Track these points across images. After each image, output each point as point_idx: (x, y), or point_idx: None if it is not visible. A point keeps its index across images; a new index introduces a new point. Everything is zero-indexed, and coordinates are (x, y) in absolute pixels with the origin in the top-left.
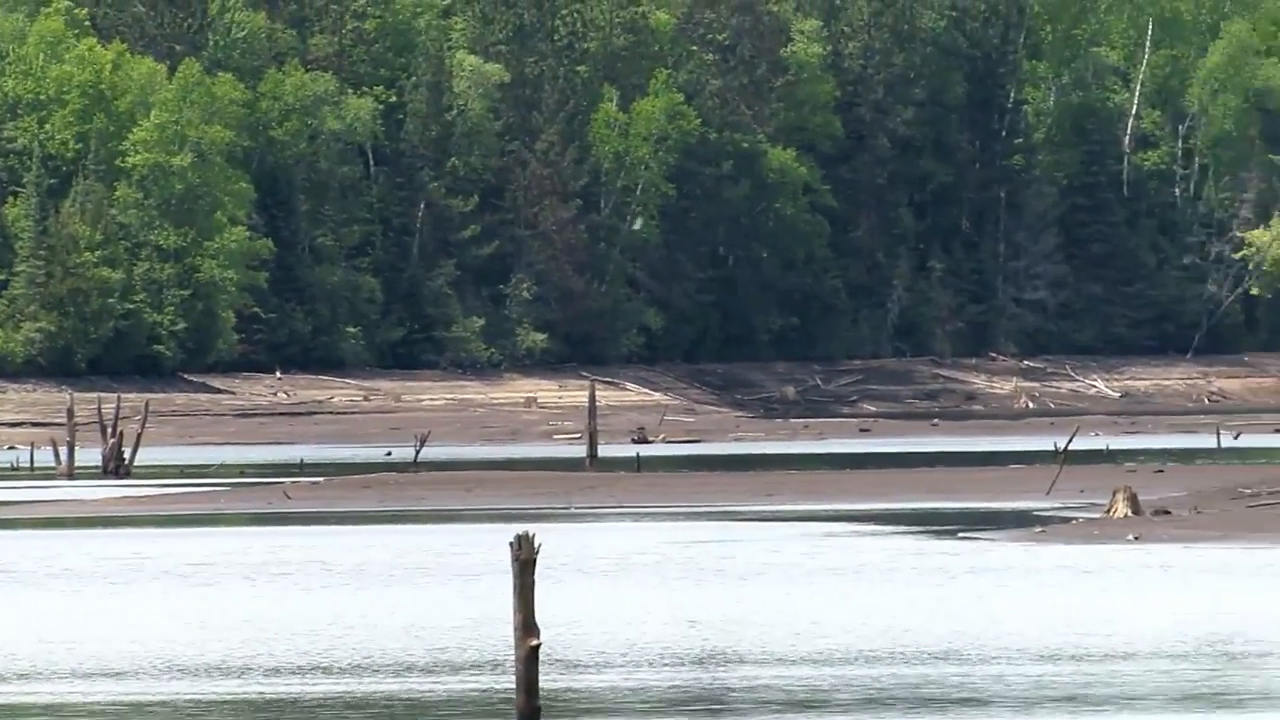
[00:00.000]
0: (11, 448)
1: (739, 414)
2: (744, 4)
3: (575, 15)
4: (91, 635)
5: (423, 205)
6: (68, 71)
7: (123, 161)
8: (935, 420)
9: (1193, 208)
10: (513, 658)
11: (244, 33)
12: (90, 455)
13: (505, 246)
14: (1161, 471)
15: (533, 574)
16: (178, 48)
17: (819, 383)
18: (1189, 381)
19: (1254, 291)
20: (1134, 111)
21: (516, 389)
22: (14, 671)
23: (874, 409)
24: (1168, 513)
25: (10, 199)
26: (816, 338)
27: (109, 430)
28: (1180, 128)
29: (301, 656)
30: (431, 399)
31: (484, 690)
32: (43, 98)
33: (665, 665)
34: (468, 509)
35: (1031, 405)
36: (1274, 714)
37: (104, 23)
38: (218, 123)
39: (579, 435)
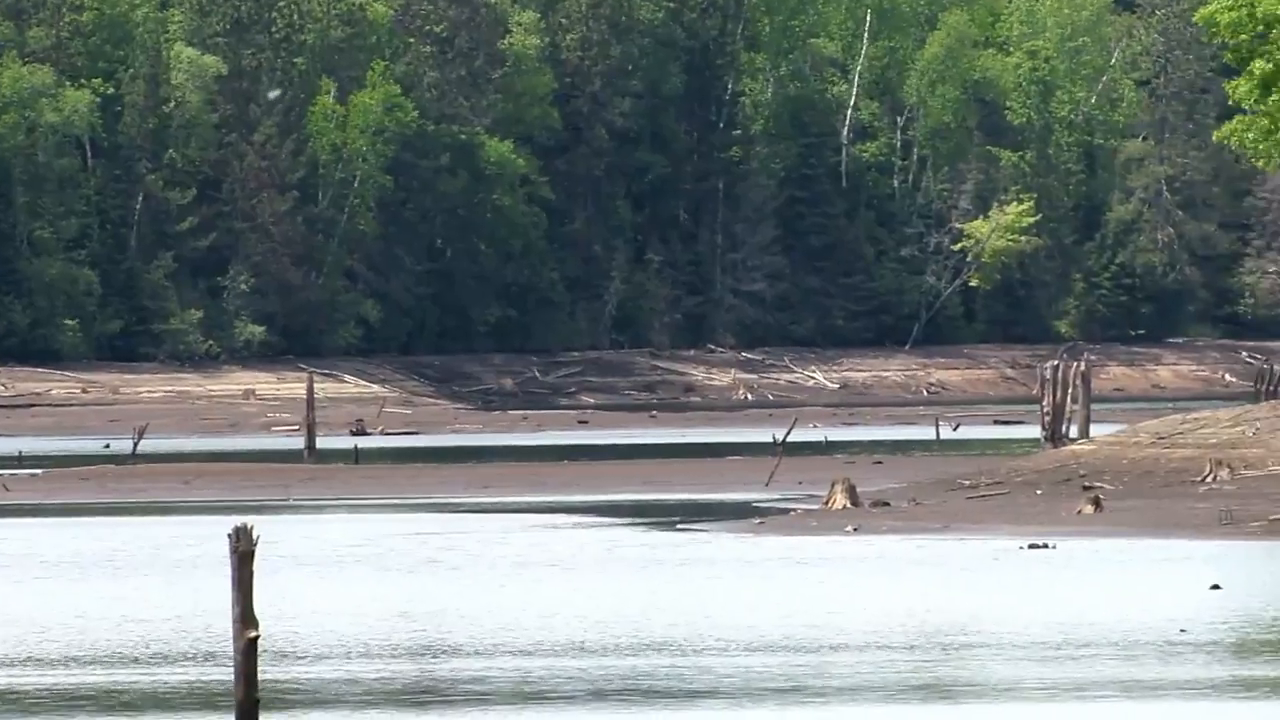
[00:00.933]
0: None
1: (457, 406)
2: None
3: (292, 7)
4: None
5: (141, 197)
6: None
7: None
8: (653, 412)
9: (911, 199)
10: (231, 649)
11: None
12: None
13: (223, 239)
14: (880, 463)
15: (251, 566)
16: None
17: (537, 374)
18: (908, 373)
19: (973, 283)
20: (852, 103)
21: (235, 381)
22: None
23: (592, 401)
24: (886, 504)
25: None
26: (534, 329)
27: None
28: (899, 119)
29: (14, 648)
30: (150, 391)
31: (202, 682)
32: None
33: (382, 657)
34: (186, 501)
35: (750, 397)
36: (984, 704)
37: None
38: None
39: (297, 427)
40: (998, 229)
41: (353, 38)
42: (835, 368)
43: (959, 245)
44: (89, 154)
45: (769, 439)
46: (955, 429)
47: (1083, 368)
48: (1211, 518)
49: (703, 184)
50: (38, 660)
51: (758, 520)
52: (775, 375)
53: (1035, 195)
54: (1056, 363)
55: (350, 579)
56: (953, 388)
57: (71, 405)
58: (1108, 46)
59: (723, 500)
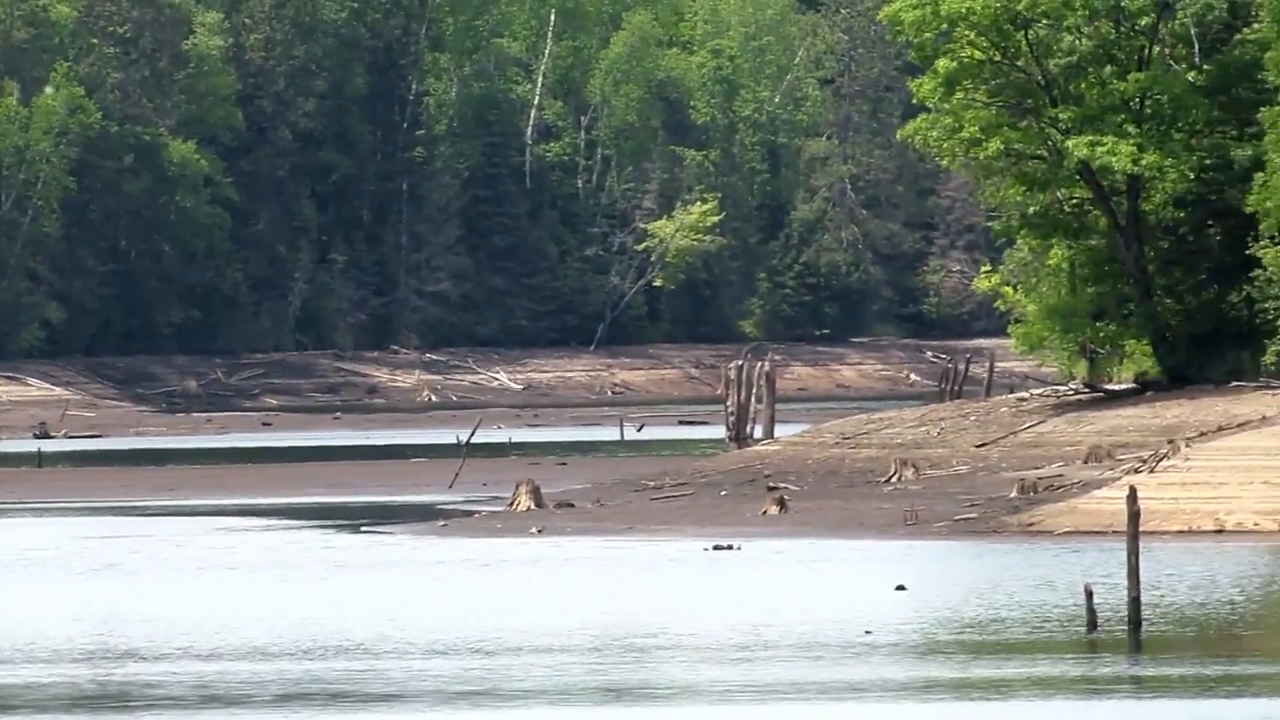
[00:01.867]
0: None
1: (141, 408)
2: None
3: None
4: None
5: None
6: None
7: None
8: (338, 414)
9: (596, 199)
10: None
11: None
12: None
13: None
14: (564, 464)
15: None
16: None
17: (221, 376)
18: (592, 374)
19: (657, 283)
20: (536, 103)
21: None
22: None
23: (276, 402)
24: (571, 505)
25: None
26: (218, 331)
27: None
28: (583, 119)
29: None
30: None
31: None
32: None
33: (62, 661)
34: None
35: (434, 398)
36: (668, 706)
37: None
38: None
39: None
40: (682, 228)
41: (36, 39)
42: (520, 368)
43: (643, 245)
44: None
45: (453, 441)
46: (640, 430)
47: (767, 368)
48: (896, 518)
49: (387, 184)
50: None
51: (442, 522)
52: (459, 376)
53: (719, 194)
54: (741, 363)
55: (32, 582)
56: (637, 388)
57: None
58: (792, 45)
59: (407, 502)
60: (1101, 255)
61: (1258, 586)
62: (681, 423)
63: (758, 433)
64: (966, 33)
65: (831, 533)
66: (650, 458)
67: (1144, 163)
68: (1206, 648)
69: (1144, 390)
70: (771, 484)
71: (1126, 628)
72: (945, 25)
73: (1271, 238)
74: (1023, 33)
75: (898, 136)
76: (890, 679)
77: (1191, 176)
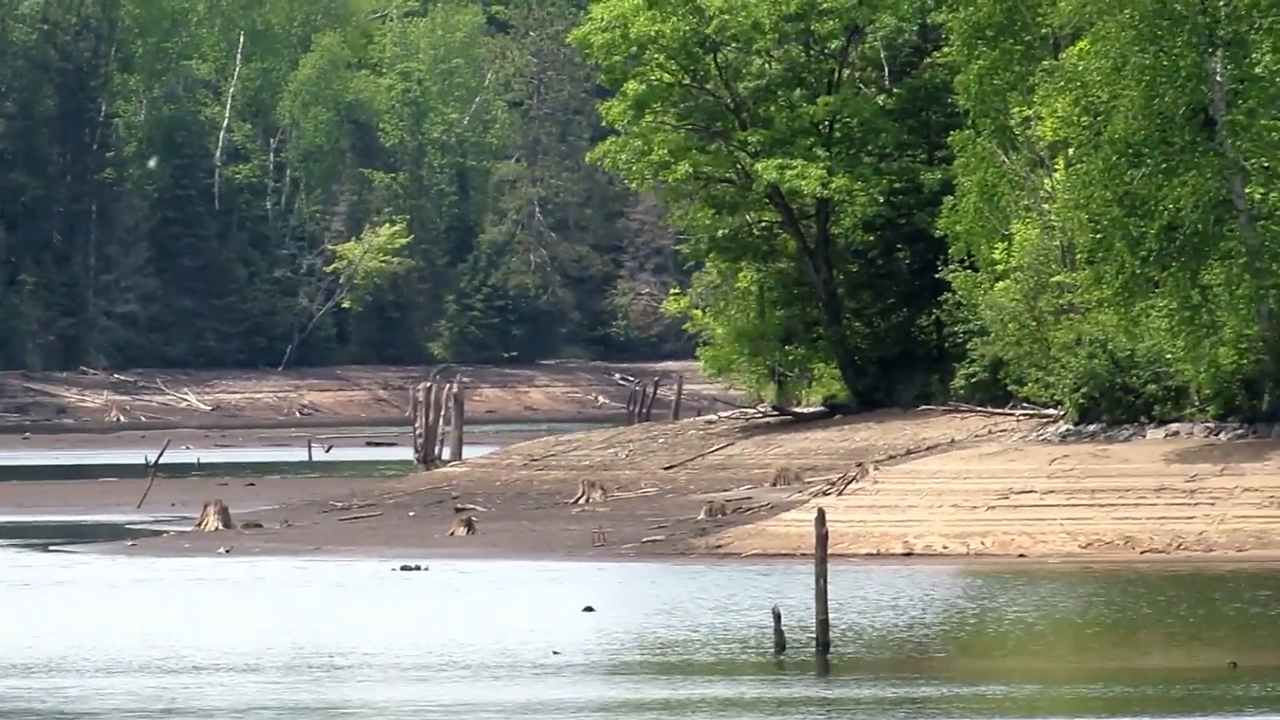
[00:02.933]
0: None
1: None
2: None
3: None
4: None
5: None
6: None
7: None
8: (27, 434)
9: (284, 221)
10: None
11: None
12: None
13: None
14: (253, 485)
15: None
16: None
17: None
18: (280, 395)
19: (345, 304)
20: (225, 124)
21: None
22: None
23: None
24: (259, 526)
25: None
26: None
27: None
28: (272, 141)
29: None
30: None
31: None
32: None
33: None
34: None
35: (123, 419)
36: None
37: None
38: None
39: None
40: (370, 250)
41: None
42: (208, 389)
43: (332, 267)
44: None
45: (141, 461)
46: (328, 451)
47: (455, 389)
48: (584, 539)
49: (76, 205)
50: None
51: (130, 542)
52: (148, 397)
53: (408, 217)
54: (429, 384)
55: None
56: (325, 409)
57: None
58: (481, 68)
59: (96, 522)
60: (790, 278)
61: (945, 609)
62: (369, 444)
63: (445, 454)
64: (656, 56)
65: (519, 554)
66: (338, 479)
67: (833, 186)
68: (894, 670)
69: (833, 413)
70: (459, 505)
71: (814, 650)
72: (634, 48)
73: (960, 261)
74: (712, 56)
75: (587, 159)
76: (578, 699)
77: (881, 200)
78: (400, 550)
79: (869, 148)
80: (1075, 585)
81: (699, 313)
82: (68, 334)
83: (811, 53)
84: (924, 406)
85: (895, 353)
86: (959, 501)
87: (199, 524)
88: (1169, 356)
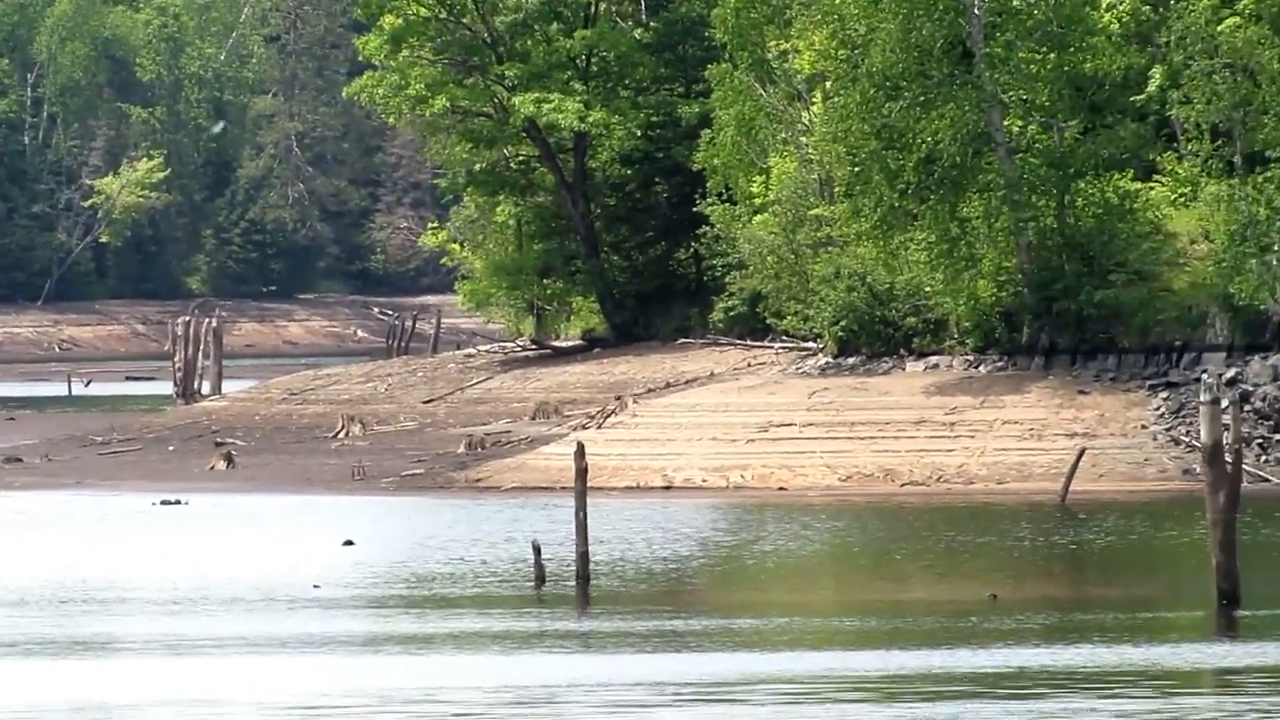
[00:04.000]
0: None
1: None
2: None
3: None
4: None
5: None
6: None
7: None
8: None
9: (42, 156)
10: None
11: None
12: None
13: None
14: (13, 420)
15: None
16: None
17: None
18: (39, 330)
19: (104, 239)
20: None
21: None
22: None
23: None
24: (19, 460)
25: None
26: None
27: None
28: (29, 75)
29: None
30: None
31: None
32: None
33: None
34: None
35: None
36: (111, 657)
37: None
38: None
39: None
40: (128, 185)
41: None
42: None
43: (90, 202)
44: None
45: None
46: (87, 385)
47: (214, 324)
48: (344, 473)
49: None
50: None
51: None
52: None
53: (166, 151)
54: (188, 319)
55: None
56: (85, 344)
57: None
58: (238, 3)
59: None
60: (548, 212)
61: (704, 543)
62: (129, 379)
63: (205, 389)
64: None
65: (279, 488)
66: (98, 413)
67: (590, 120)
68: (653, 603)
69: (591, 347)
70: (219, 440)
71: (575, 583)
72: None
73: (718, 195)
74: None
75: (344, 94)
76: (339, 632)
77: (638, 134)
78: (161, 485)
79: (626, 81)
80: (835, 518)
81: (457, 247)
82: None
83: None
84: (683, 340)
85: (654, 286)
86: (718, 435)
87: None
88: (928, 289)
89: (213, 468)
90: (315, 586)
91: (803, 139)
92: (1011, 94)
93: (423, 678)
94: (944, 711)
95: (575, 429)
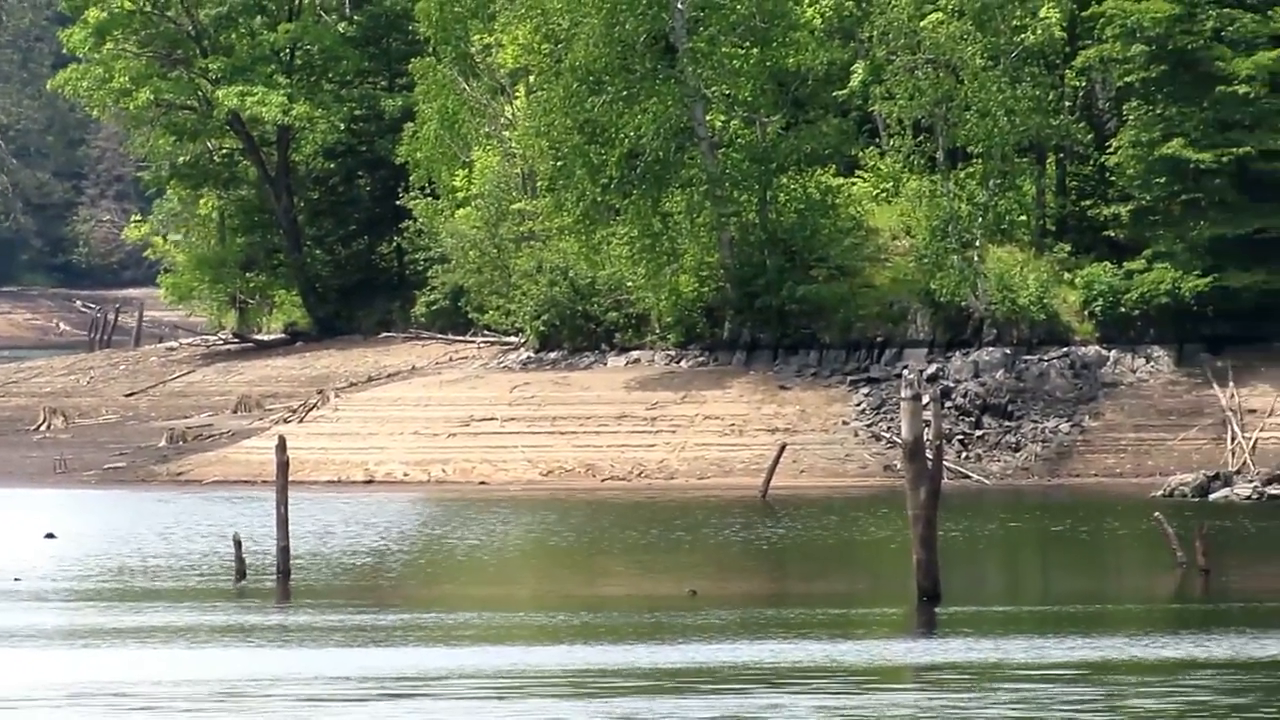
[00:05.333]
0: None
1: None
2: None
3: None
4: None
5: None
6: None
7: None
8: None
9: None
10: None
11: None
12: None
13: None
14: None
15: None
16: None
17: None
18: None
19: None
20: None
21: None
22: None
23: None
24: None
25: None
26: None
27: None
28: None
29: None
30: None
31: None
32: None
33: None
34: None
35: None
36: None
37: None
38: None
39: None
40: None
41: None
42: None
43: None
44: None
45: None
46: None
47: None
48: (46, 466)
49: None
50: None
51: None
52: None
53: None
54: None
55: None
56: None
57: None
58: None
59: None
60: (252, 205)
61: (406, 537)
62: None
63: None
64: None
65: None
66: None
67: (294, 113)
68: (354, 597)
69: (294, 340)
70: None
71: (275, 577)
72: None
73: (421, 189)
74: None
75: (48, 86)
76: (40, 625)
77: (341, 127)
78: None
79: (330, 75)
80: (537, 513)
81: (160, 240)
82: None
83: None
84: (385, 334)
85: (356, 280)
86: (420, 429)
87: None
88: (630, 284)
89: None
90: (15, 579)
91: (506, 133)
92: (714, 89)
93: (118, 672)
94: (637, 706)
95: (277, 423)
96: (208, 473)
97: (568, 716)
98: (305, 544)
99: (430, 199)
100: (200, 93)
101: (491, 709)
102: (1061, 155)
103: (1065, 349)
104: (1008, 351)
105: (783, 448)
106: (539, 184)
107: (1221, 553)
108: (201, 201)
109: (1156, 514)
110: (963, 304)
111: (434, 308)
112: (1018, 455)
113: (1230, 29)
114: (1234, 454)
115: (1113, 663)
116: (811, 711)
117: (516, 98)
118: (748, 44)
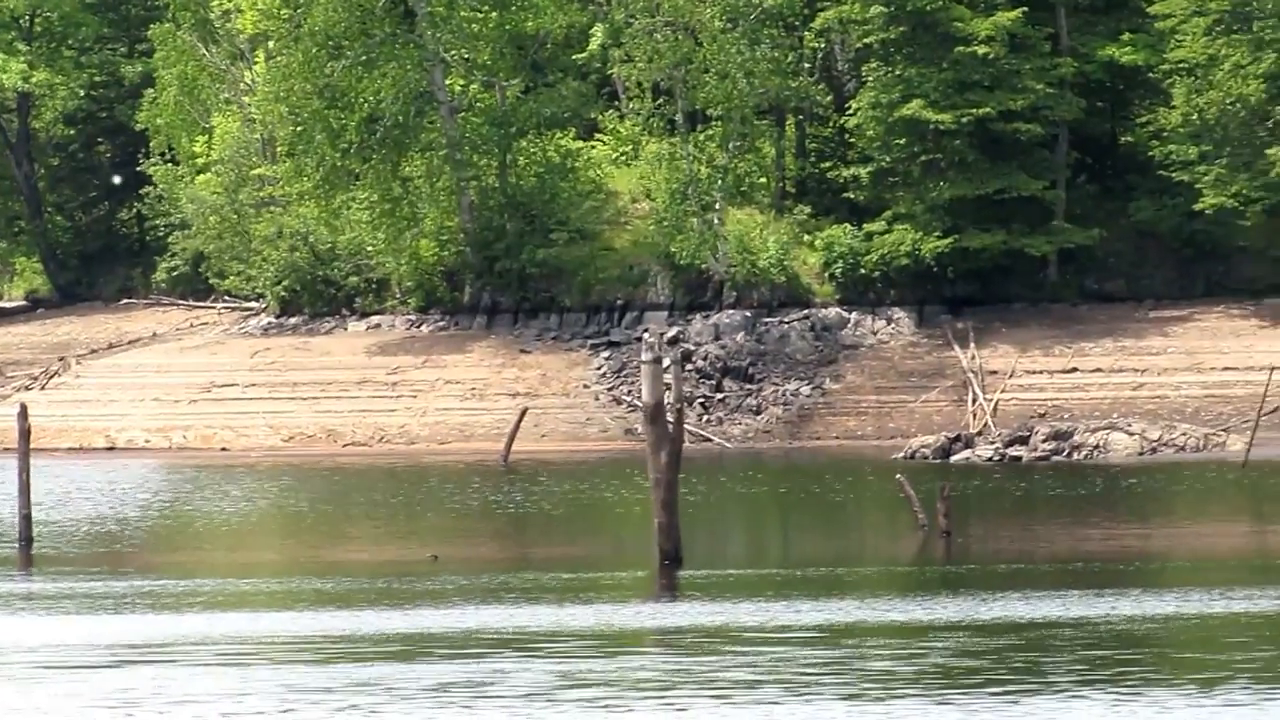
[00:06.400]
0: None
1: None
2: None
3: None
4: None
5: None
6: None
7: None
8: None
9: None
10: None
11: None
12: None
13: None
14: None
15: None
16: None
17: None
18: None
19: None
20: None
21: None
22: None
23: None
24: None
25: None
26: None
27: None
28: None
29: None
30: None
31: None
32: None
33: None
34: None
35: None
36: None
37: None
38: None
39: None
40: None
41: None
42: None
43: None
44: None
45: None
46: None
47: None
48: None
49: None
50: None
51: None
52: None
53: None
54: None
55: None
56: None
57: None
58: None
59: None
60: None
61: (148, 503)
62: None
63: None
64: None
65: None
66: None
67: (34, 80)
68: (97, 564)
69: (34, 307)
70: None
71: (18, 544)
72: None
73: (161, 155)
74: None
75: None
76: None
77: (82, 93)
78: None
79: (70, 41)
80: (277, 479)
81: None
82: None
83: None
84: (126, 300)
85: (97, 246)
86: (161, 395)
87: None
88: (370, 249)
89: None
90: None
91: (245, 99)
92: (453, 53)
93: None
94: (372, 673)
95: (18, 390)
96: None
97: (300, 681)
98: (47, 511)
99: (170, 165)
100: None
101: (220, 674)
102: (801, 117)
103: (806, 311)
104: (748, 314)
105: (524, 412)
106: (279, 149)
107: (963, 515)
108: None
109: (899, 476)
110: (703, 266)
111: (175, 274)
112: (759, 418)
113: None
114: (975, 415)
115: (853, 625)
116: (554, 676)
117: (256, 63)
118: (486, 7)
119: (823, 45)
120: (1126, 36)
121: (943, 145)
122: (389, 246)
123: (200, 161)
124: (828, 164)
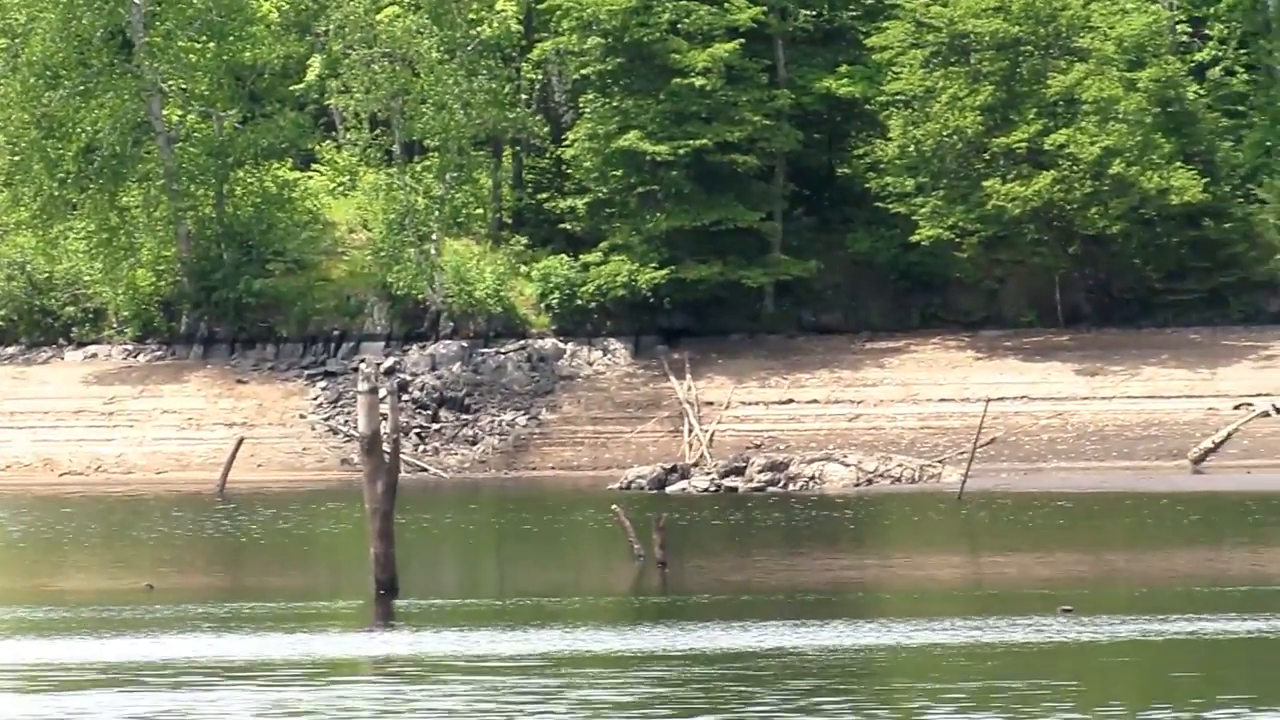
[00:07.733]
0: None
1: None
2: None
3: None
4: None
5: None
6: None
7: None
8: None
9: None
10: None
11: None
12: None
13: None
14: None
15: None
16: None
17: None
18: None
19: None
20: None
21: None
22: None
23: None
24: None
25: None
26: None
27: None
28: None
29: None
30: None
31: None
32: None
33: None
34: None
35: None
36: None
37: None
38: None
39: None
40: None
41: None
42: None
43: None
44: None
45: None
46: None
47: None
48: None
49: None
50: None
51: None
52: None
53: None
54: None
55: None
56: None
57: None
58: None
59: None
60: None
61: None
62: None
63: None
64: None
65: None
66: None
67: None
68: None
69: None
70: None
71: None
72: None
73: None
74: None
75: None
76: None
77: None
78: None
79: None
80: None
81: None
82: None
83: None
84: None
85: None
86: None
87: None
88: (88, 278)
89: None
90: None
91: None
92: (171, 83)
93: None
94: (84, 703)
95: None
96: None
97: (9, 713)
98: None
99: None
100: None
101: None
102: (518, 148)
103: (522, 342)
104: (464, 345)
105: (240, 442)
106: None
107: (679, 545)
108: None
109: (615, 506)
110: (420, 297)
111: None
112: (475, 448)
113: (687, 21)
114: (691, 446)
115: (570, 654)
116: (256, 705)
117: None
118: (204, 38)
119: (540, 76)
120: (844, 69)
121: (660, 176)
122: (106, 276)
123: None
124: (545, 195)
